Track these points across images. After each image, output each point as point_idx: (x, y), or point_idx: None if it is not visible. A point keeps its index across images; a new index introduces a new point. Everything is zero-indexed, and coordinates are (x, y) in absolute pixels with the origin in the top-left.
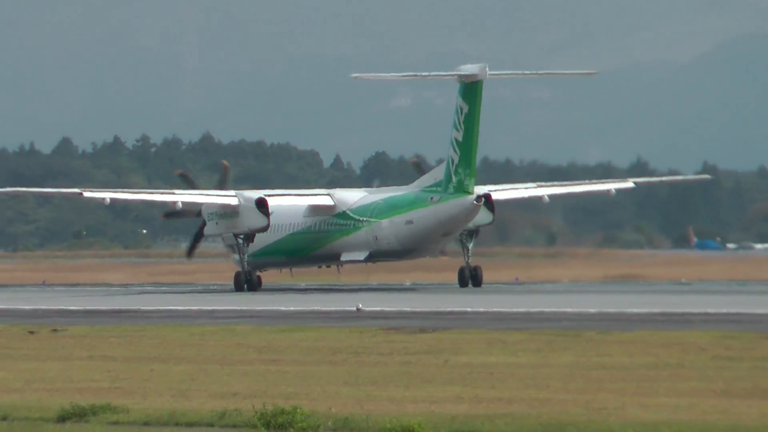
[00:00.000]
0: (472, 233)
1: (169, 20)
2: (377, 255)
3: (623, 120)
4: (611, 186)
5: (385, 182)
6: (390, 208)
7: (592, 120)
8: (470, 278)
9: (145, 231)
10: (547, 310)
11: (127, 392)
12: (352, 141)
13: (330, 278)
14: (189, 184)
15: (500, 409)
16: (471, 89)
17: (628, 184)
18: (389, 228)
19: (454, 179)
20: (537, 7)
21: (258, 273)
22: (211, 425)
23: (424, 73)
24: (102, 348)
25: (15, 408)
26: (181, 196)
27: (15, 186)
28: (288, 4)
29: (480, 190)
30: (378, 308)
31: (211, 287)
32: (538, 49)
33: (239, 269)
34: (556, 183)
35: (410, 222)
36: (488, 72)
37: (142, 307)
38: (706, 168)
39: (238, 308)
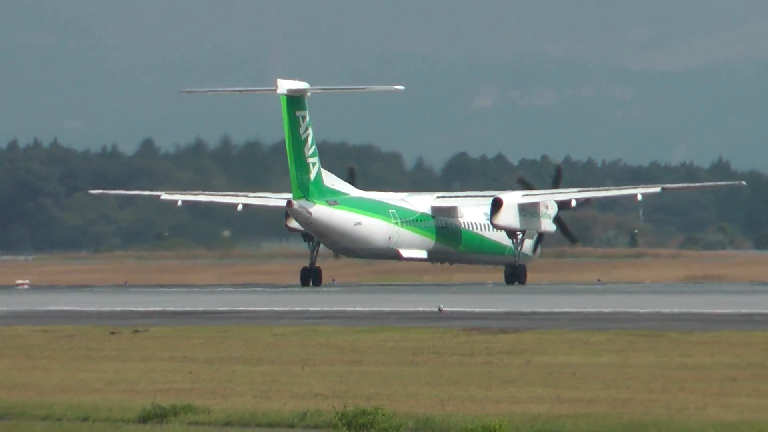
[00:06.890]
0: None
1: (253, 20)
2: None
3: (708, 120)
4: (638, 191)
5: (465, 183)
6: None
7: (677, 120)
8: (513, 277)
9: (227, 233)
10: (629, 310)
11: (208, 393)
12: (434, 142)
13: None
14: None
15: (582, 409)
16: (289, 102)
17: (656, 189)
18: None
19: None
20: (623, 5)
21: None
22: (292, 426)
23: (245, 89)
24: (184, 349)
25: (96, 408)
26: (243, 199)
27: (98, 187)
28: (373, 2)
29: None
30: (459, 309)
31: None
32: (626, 47)
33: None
34: (589, 188)
35: None
36: (287, 88)
37: (223, 308)
38: None
39: (320, 309)
